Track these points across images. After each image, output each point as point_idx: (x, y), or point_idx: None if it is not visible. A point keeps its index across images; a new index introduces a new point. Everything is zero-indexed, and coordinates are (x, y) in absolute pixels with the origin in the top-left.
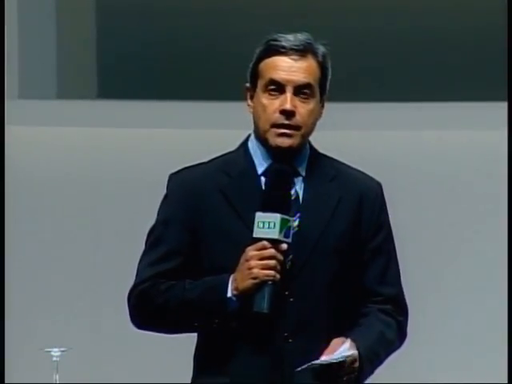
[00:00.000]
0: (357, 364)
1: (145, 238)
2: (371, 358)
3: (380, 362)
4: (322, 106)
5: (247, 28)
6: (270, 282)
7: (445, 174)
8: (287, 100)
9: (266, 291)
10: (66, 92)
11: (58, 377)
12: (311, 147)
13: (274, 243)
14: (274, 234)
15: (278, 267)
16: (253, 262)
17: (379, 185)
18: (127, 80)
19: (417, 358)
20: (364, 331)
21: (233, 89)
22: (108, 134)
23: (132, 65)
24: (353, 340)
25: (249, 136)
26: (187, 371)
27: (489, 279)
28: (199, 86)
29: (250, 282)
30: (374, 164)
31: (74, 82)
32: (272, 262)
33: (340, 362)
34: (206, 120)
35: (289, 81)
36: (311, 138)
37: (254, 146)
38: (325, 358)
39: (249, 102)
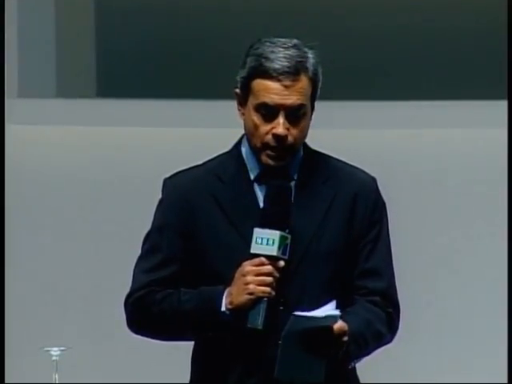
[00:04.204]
0: (346, 338)
1: (144, 237)
2: (358, 340)
3: (367, 349)
4: (313, 110)
5: (248, 28)
6: (265, 299)
7: (444, 173)
8: (280, 125)
9: (261, 307)
10: (65, 91)
11: (57, 376)
12: (305, 147)
13: (272, 260)
14: (273, 251)
15: (274, 284)
16: (249, 278)
17: (374, 180)
18: (127, 78)
19: (416, 359)
20: (351, 316)
21: (233, 88)
22: (107, 132)
23: (131, 63)
24: None
25: (242, 137)
26: (187, 371)
27: (489, 278)
28: (199, 84)
29: (245, 298)
30: (373, 163)
31: (74, 80)
32: (269, 279)
33: (326, 326)
34: (206, 119)
35: (282, 105)
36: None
37: (246, 150)
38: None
39: (239, 106)
